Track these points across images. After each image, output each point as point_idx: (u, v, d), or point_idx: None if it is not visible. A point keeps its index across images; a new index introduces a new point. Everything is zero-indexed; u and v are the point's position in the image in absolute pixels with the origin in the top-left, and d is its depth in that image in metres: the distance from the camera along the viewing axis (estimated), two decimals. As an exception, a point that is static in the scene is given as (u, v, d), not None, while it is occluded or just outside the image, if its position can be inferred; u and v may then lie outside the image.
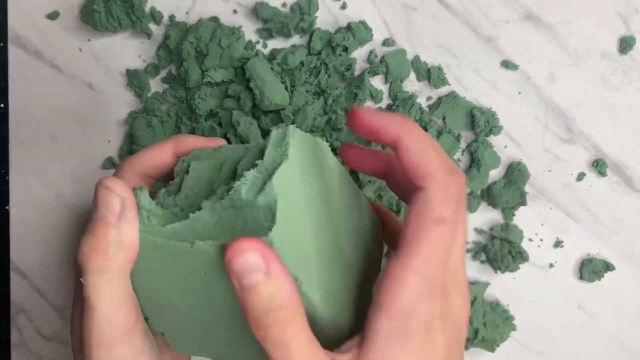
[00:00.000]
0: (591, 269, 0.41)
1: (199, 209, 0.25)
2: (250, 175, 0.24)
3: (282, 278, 0.22)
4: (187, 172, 0.27)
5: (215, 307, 0.26)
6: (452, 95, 0.40)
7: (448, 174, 0.24)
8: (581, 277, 0.41)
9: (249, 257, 0.22)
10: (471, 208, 0.41)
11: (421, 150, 0.25)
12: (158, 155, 0.29)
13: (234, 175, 0.27)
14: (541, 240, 0.42)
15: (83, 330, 0.25)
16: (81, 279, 0.24)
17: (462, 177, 0.25)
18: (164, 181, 0.30)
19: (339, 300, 0.26)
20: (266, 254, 0.22)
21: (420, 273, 0.24)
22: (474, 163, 0.41)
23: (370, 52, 0.41)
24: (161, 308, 0.27)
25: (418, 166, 0.25)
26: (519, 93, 0.41)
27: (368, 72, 0.41)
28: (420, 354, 0.24)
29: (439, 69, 0.41)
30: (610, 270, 0.41)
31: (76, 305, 0.27)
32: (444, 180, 0.24)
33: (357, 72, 0.41)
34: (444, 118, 0.41)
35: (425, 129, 0.40)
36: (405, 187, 0.29)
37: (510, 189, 0.40)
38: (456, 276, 0.26)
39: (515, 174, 0.40)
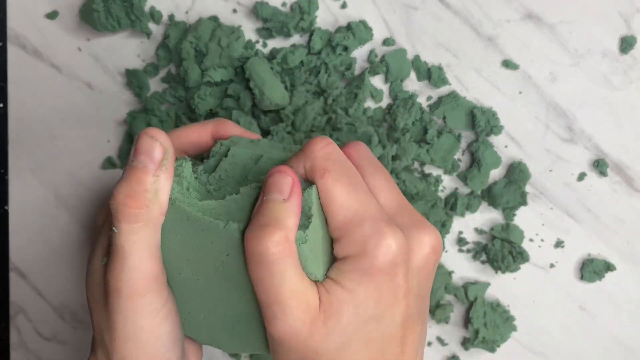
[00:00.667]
0: (592, 269, 0.41)
1: (236, 192, 0.26)
2: None
3: (294, 212, 0.25)
4: (226, 155, 0.29)
5: (224, 288, 0.27)
6: (453, 95, 0.40)
7: (307, 147, 0.26)
8: (582, 278, 0.41)
9: (283, 179, 0.25)
10: (471, 208, 0.41)
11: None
12: (198, 133, 0.30)
13: None
14: (542, 240, 0.41)
15: (111, 280, 0.25)
16: (113, 228, 0.25)
17: (319, 139, 0.26)
18: (196, 160, 0.31)
19: None
20: (295, 187, 0.25)
21: (347, 220, 0.25)
22: (475, 163, 0.40)
23: (371, 51, 0.41)
24: (168, 278, 0.28)
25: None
26: (520, 93, 0.41)
27: (368, 72, 0.40)
28: (379, 287, 0.25)
29: (439, 68, 0.40)
30: (611, 271, 0.41)
31: (95, 258, 0.28)
32: (308, 152, 0.26)
33: (357, 72, 0.41)
34: (444, 118, 0.40)
35: (426, 129, 0.40)
36: None
37: (510, 189, 0.40)
38: (401, 211, 0.27)
39: (516, 174, 0.40)
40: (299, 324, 0.24)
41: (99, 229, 0.29)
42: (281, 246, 0.24)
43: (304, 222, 0.25)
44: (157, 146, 0.25)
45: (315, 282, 0.26)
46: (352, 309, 0.25)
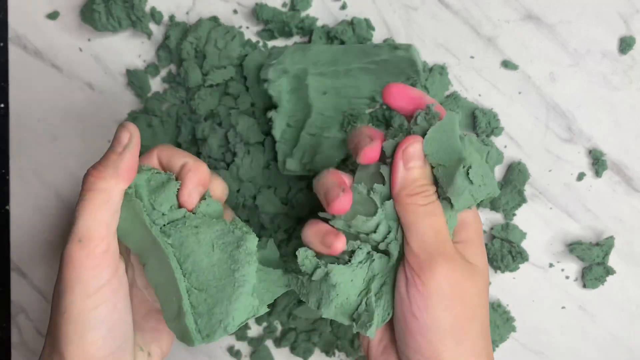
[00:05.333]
0: (592, 276, 0.41)
1: None
2: None
3: (428, 166, 0.30)
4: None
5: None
6: (454, 96, 0.40)
7: None
8: (584, 286, 0.41)
9: (418, 147, 0.29)
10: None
11: None
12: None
13: None
14: (541, 240, 0.42)
15: (63, 251, 0.28)
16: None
17: None
18: None
19: None
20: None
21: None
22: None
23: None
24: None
25: None
26: (519, 93, 0.41)
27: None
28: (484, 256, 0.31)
29: (442, 68, 0.40)
30: (611, 275, 0.41)
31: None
32: None
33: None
34: None
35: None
36: None
37: (509, 189, 0.40)
38: None
39: (515, 173, 0.40)
40: None
41: None
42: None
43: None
44: (125, 132, 0.30)
45: None
46: None
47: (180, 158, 0.31)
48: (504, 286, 0.42)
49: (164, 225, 0.30)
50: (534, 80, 0.41)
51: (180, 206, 0.31)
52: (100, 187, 0.28)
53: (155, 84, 0.42)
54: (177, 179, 0.32)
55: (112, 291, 0.28)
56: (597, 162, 0.41)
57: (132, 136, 0.30)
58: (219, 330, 0.29)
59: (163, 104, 0.42)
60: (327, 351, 0.43)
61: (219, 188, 0.33)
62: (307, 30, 0.41)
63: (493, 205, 0.41)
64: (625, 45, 0.40)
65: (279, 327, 0.43)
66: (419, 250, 0.29)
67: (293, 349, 0.42)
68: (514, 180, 0.40)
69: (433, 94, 0.40)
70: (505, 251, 0.41)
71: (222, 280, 0.30)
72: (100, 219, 0.28)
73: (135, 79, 0.42)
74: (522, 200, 0.40)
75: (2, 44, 0.43)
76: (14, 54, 0.43)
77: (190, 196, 0.31)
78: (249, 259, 0.30)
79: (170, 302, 0.30)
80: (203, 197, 0.32)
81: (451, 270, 0.28)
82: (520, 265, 0.41)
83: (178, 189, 0.31)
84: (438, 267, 0.28)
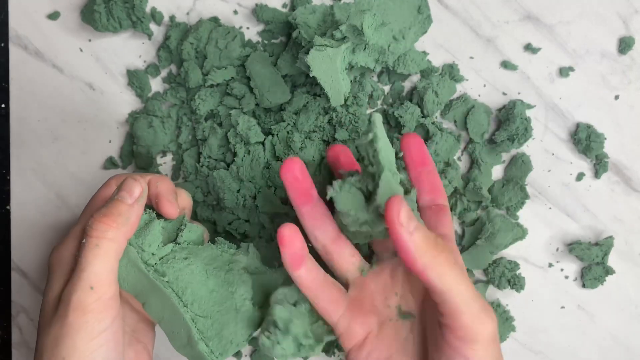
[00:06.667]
0: (592, 276, 0.41)
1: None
2: None
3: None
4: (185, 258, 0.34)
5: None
6: (463, 98, 0.40)
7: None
8: (584, 286, 0.41)
9: (406, 207, 0.27)
10: (471, 209, 0.41)
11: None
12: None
13: None
14: (540, 240, 0.42)
15: (65, 293, 0.29)
16: (83, 241, 0.29)
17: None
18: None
19: None
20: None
21: None
22: (475, 163, 0.41)
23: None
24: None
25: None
26: (519, 93, 0.41)
27: (369, 71, 0.41)
28: None
29: (451, 66, 0.41)
30: (610, 274, 0.41)
31: (51, 290, 0.30)
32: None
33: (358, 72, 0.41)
34: (455, 122, 0.41)
35: (427, 129, 0.40)
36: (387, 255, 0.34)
37: (510, 186, 0.40)
38: None
39: (519, 164, 0.40)
40: None
41: (53, 266, 0.31)
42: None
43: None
44: (137, 185, 0.31)
45: None
46: None
47: (141, 178, 0.32)
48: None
49: (155, 264, 0.32)
50: (533, 81, 0.41)
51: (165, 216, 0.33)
52: (111, 236, 0.29)
53: (156, 84, 0.42)
54: (158, 217, 0.33)
55: (113, 333, 0.29)
56: (597, 162, 0.41)
57: (144, 191, 0.31)
58: (231, 348, 0.32)
59: (163, 104, 0.42)
60: (327, 351, 0.43)
61: (184, 196, 0.35)
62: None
63: (496, 204, 0.41)
64: (624, 45, 0.40)
65: (279, 327, 0.43)
66: (466, 310, 0.27)
67: (293, 349, 0.43)
68: (515, 175, 0.40)
69: (441, 98, 0.40)
70: (504, 280, 0.41)
71: (223, 304, 0.32)
72: (110, 266, 0.29)
73: (135, 79, 0.42)
74: (524, 194, 0.40)
75: (2, 45, 0.43)
76: (15, 54, 0.43)
77: (171, 202, 0.33)
78: (243, 278, 0.33)
79: (177, 333, 0.32)
80: (183, 224, 0.33)
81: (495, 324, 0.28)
82: (520, 265, 0.41)
83: (162, 227, 0.32)
84: (489, 322, 0.28)
